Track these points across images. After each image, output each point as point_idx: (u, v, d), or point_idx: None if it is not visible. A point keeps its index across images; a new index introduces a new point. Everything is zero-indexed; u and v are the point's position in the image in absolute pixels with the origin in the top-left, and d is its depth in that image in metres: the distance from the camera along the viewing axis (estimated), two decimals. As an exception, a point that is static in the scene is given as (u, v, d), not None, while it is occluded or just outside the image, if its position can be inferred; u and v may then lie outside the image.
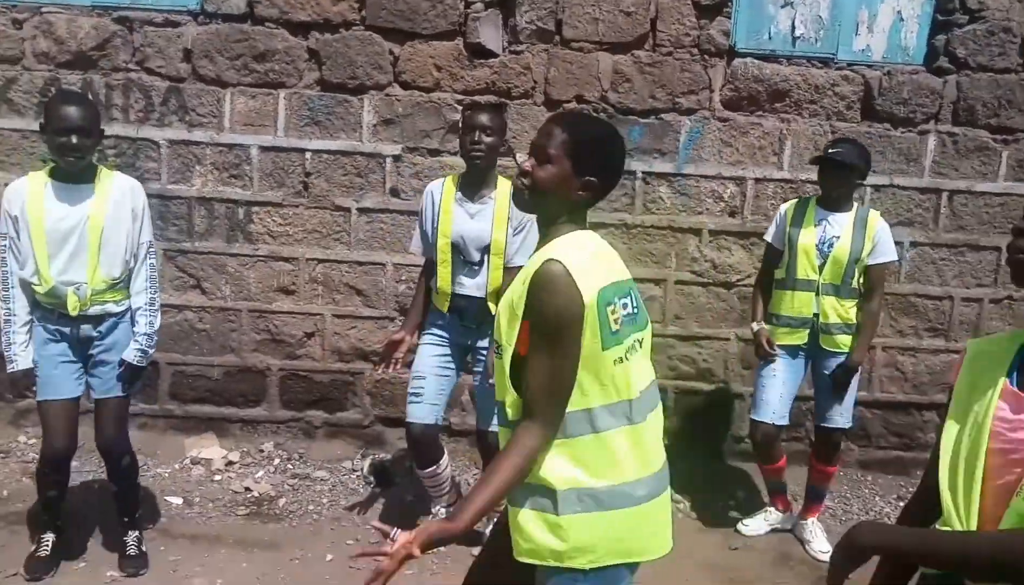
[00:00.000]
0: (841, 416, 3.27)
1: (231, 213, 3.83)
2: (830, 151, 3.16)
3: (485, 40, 3.77)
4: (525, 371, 1.52)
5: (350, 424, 4.04)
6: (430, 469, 3.06)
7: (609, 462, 1.55)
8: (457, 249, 2.92)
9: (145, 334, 2.73)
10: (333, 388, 4.02)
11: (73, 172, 2.60)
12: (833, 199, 3.19)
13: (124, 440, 2.81)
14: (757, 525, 3.46)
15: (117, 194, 2.68)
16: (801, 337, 3.21)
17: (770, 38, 3.88)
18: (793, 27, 3.87)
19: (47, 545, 2.80)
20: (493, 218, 2.91)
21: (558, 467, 1.53)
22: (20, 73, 3.73)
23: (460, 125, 3.26)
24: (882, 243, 3.18)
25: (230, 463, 3.81)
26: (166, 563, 2.93)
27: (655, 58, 3.81)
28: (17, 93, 3.74)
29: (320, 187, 3.86)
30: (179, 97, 3.76)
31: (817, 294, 3.17)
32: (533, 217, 1.76)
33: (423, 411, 2.95)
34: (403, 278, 3.91)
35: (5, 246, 2.62)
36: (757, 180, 3.95)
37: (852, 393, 3.30)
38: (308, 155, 3.83)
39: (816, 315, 3.17)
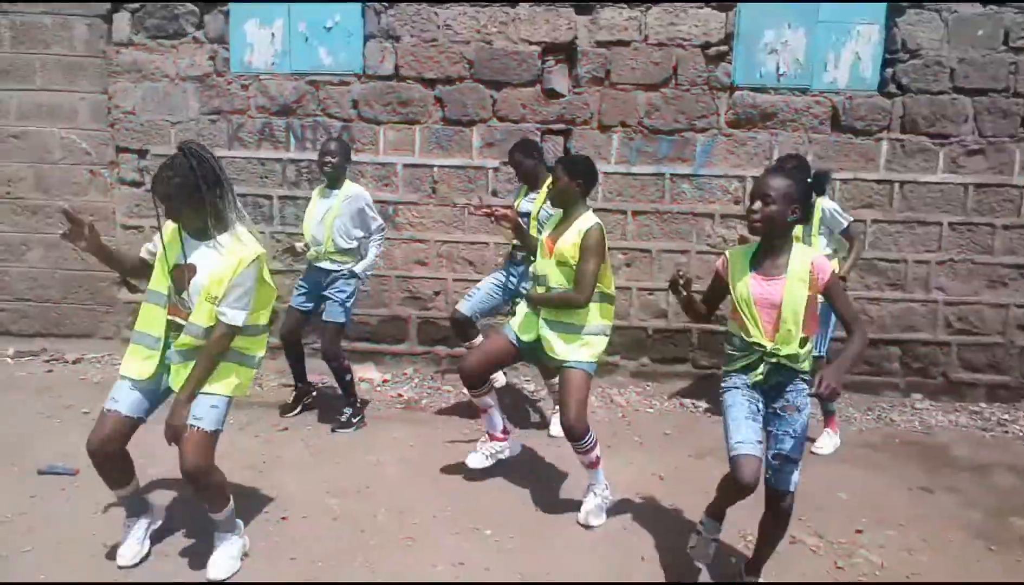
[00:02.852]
0: (817, 348, 4.46)
1: (384, 210, 5.56)
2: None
3: (556, 85, 5.41)
4: (579, 271, 3.30)
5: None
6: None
7: (608, 315, 3.35)
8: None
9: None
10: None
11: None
12: None
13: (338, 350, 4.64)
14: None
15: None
16: None
17: (761, 76, 5.38)
18: (778, 67, 5.37)
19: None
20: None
21: (594, 315, 3.32)
22: (246, 120, 5.57)
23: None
24: (832, 217, 4.42)
25: (385, 381, 5.55)
26: (364, 432, 4.64)
27: (677, 93, 5.38)
28: (244, 133, 5.59)
29: (444, 190, 5.57)
30: (349, 132, 5.53)
31: None
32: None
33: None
34: (501, 252, 5.57)
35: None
36: (753, 177, 5.45)
37: (830, 331, 4.57)
38: (435, 169, 5.55)
39: None
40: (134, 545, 3.01)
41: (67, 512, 3.40)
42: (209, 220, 2.77)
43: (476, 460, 3.87)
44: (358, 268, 4.57)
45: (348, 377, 4.65)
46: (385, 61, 5.43)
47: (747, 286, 2.74)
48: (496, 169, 5.51)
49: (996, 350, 5.54)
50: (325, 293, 4.56)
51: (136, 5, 5.48)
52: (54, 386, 5.13)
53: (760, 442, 2.71)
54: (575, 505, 3.66)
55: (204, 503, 2.93)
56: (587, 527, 3.50)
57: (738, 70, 5.37)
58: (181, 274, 2.80)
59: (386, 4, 5.35)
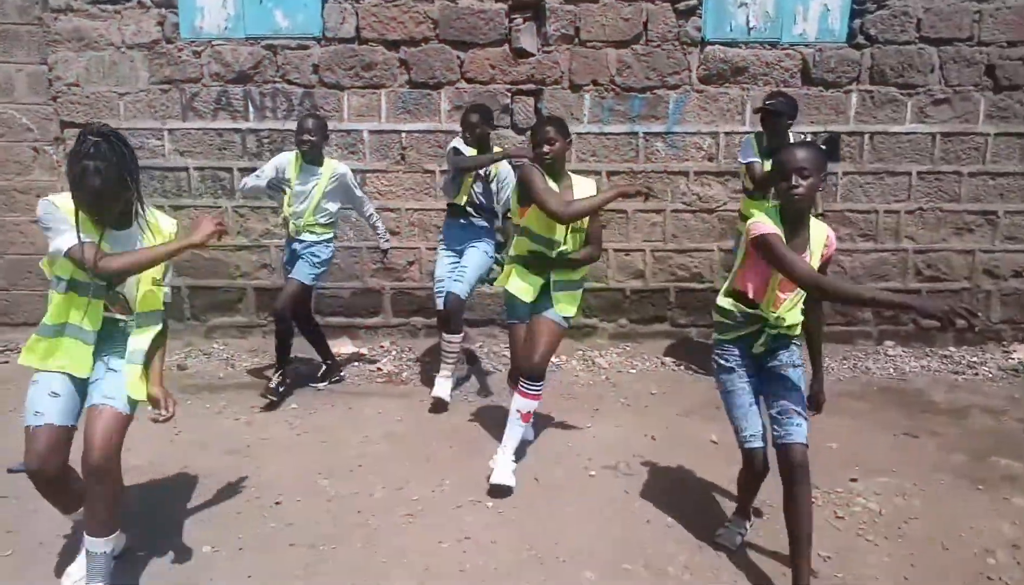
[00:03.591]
0: None
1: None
2: (767, 102, 4.45)
3: (525, 44, 5.25)
4: (593, 229, 3.46)
5: (442, 327, 5.63)
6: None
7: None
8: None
9: None
10: (429, 300, 5.58)
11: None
12: (775, 137, 4.44)
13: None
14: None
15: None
16: None
17: (731, 30, 5.32)
18: (748, 21, 5.31)
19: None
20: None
21: (584, 271, 3.51)
22: (200, 89, 5.28)
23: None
24: None
25: (362, 355, 5.41)
26: (344, 406, 4.51)
27: (648, 50, 5.28)
28: (199, 103, 5.30)
29: (413, 156, 5.39)
30: (311, 99, 5.30)
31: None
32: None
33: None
34: (475, 219, 5.44)
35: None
36: (727, 133, 5.42)
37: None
38: (403, 134, 5.36)
39: None
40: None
41: (45, 510, 3.20)
42: (135, 205, 2.49)
43: (504, 475, 3.46)
44: (384, 246, 4.76)
45: (317, 336, 4.72)
46: (346, 23, 5.19)
47: None
48: (466, 133, 5.35)
49: (963, 295, 5.66)
50: (299, 253, 4.44)
51: (74, -33, 5.11)
52: (12, 378, 4.85)
53: (764, 426, 2.80)
54: (573, 473, 3.64)
55: (91, 517, 2.47)
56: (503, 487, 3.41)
57: (708, 25, 5.29)
58: None
59: (345, -38, 5.10)
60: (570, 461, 3.76)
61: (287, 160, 4.45)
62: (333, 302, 5.57)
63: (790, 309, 2.74)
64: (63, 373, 2.49)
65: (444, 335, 4.52)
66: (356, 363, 5.27)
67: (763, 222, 2.64)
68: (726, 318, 2.85)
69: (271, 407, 4.37)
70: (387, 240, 4.82)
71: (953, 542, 3.17)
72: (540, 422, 4.22)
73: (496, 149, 4.61)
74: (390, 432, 4.07)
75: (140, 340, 2.57)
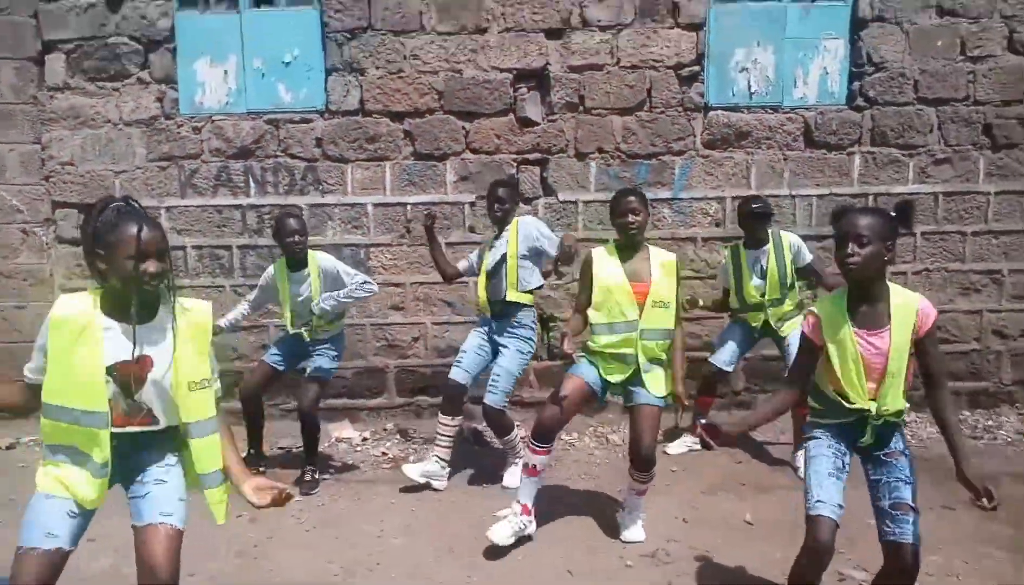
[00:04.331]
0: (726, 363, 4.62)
1: (355, 254, 5.24)
2: (754, 206, 4.37)
3: (530, 114, 5.23)
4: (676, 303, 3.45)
5: (449, 402, 5.43)
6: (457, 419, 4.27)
7: None
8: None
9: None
10: (435, 377, 5.41)
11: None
12: (759, 240, 4.41)
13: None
14: (676, 447, 4.81)
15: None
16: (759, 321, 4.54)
17: (733, 95, 5.34)
18: (749, 85, 5.34)
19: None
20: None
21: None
22: (200, 165, 5.17)
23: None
24: (800, 250, 4.37)
25: (364, 439, 5.17)
26: (352, 496, 4.27)
27: (652, 116, 5.27)
28: (198, 180, 5.18)
29: (419, 230, 5.28)
30: (314, 173, 5.20)
31: (765, 309, 4.47)
32: None
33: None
34: (482, 290, 5.32)
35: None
36: (733, 198, 5.38)
37: (738, 351, 4.64)
38: (408, 207, 5.27)
39: (766, 321, 4.49)
40: None
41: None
42: (167, 291, 2.20)
43: (501, 535, 3.46)
44: (322, 303, 4.16)
45: (314, 441, 4.38)
46: (349, 95, 5.14)
47: (854, 345, 2.49)
48: (472, 203, 5.27)
49: (974, 357, 5.60)
50: (313, 350, 4.25)
51: (72, 45, 5.03)
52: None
53: (842, 506, 2.54)
54: (608, 563, 3.43)
55: None
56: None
57: (711, 90, 5.31)
58: (128, 372, 2.15)
59: (348, 35, 5.07)
60: (603, 550, 3.55)
61: (270, 275, 4.28)
62: (333, 383, 5.35)
63: (890, 397, 2.52)
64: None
65: (497, 438, 4.36)
66: (359, 448, 5.04)
67: (812, 315, 2.56)
68: (820, 403, 2.68)
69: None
70: (325, 302, 4.16)
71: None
72: (563, 508, 4.02)
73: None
74: (407, 524, 3.84)
75: (205, 460, 2.27)
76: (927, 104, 5.37)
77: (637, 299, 3.42)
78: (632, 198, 3.48)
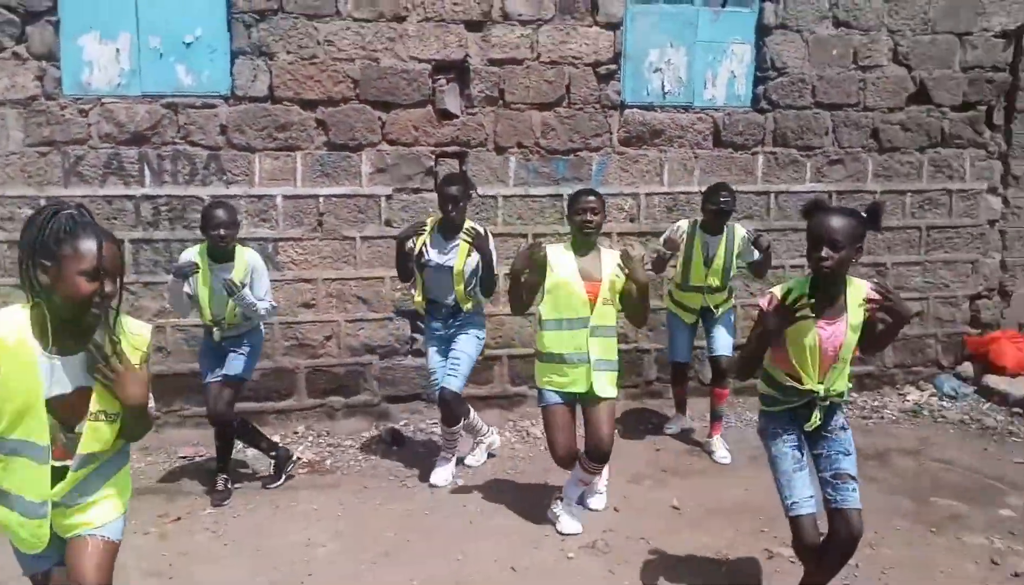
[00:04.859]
0: (725, 348, 4.71)
1: (263, 248, 4.92)
2: (722, 201, 4.43)
3: (449, 106, 5.12)
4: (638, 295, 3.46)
5: (363, 404, 5.23)
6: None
7: None
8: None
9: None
10: (348, 377, 5.20)
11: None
12: (716, 228, 4.55)
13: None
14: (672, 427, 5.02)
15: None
16: (695, 314, 4.73)
17: (648, 94, 5.45)
18: (663, 85, 5.47)
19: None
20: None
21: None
22: (87, 152, 4.71)
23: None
24: (749, 246, 4.55)
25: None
26: (269, 504, 4.01)
27: (571, 113, 5.29)
28: (85, 167, 4.72)
29: (331, 223, 5.06)
30: (217, 162, 4.86)
31: (704, 293, 4.63)
32: None
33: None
34: (398, 287, 5.14)
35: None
36: (647, 195, 5.50)
37: (730, 332, 4.76)
38: (321, 199, 5.03)
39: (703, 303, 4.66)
40: None
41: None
42: (107, 315, 1.96)
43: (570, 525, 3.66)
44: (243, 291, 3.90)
45: (248, 431, 4.19)
46: (257, 81, 4.84)
47: (814, 333, 2.57)
48: (389, 197, 5.10)
49: (863, 344, 5.98)
50: (228, 349, 3.98)
51: (-67, 14, 4.46)
52: None
53: (812, 495, 2.69)
54: (551, 557, 3.39)
55: None
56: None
57: (627, 88, 5.40)
58: (68, 406, 1.95)
59: (256, 16, 4.77)
60: (543, 544, 3.51)
61: (191, 256, 3.94)
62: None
63: (837, 380, 2.67)
64: None
65: (443, 426, 4.24)
66: (270, 453, 4.75)
67: (771, 291, 2.62)
68: (771, 388, 2.77)
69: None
70: (252, 299, 3.93)
71: (933, 590, 3.21)
72: (496, 505, 3.95)
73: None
74: (334, 530, 3.65)
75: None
76: (823, 108, 5.68)
77: (589, 297, 3.46)
78: (591, 198, 3.52)
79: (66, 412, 1.94)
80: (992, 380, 5.69)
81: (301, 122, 4.94)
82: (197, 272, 3.82)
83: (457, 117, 5.14)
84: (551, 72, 5.21)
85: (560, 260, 3.51)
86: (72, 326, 1.91)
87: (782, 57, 5.55)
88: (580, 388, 3.52)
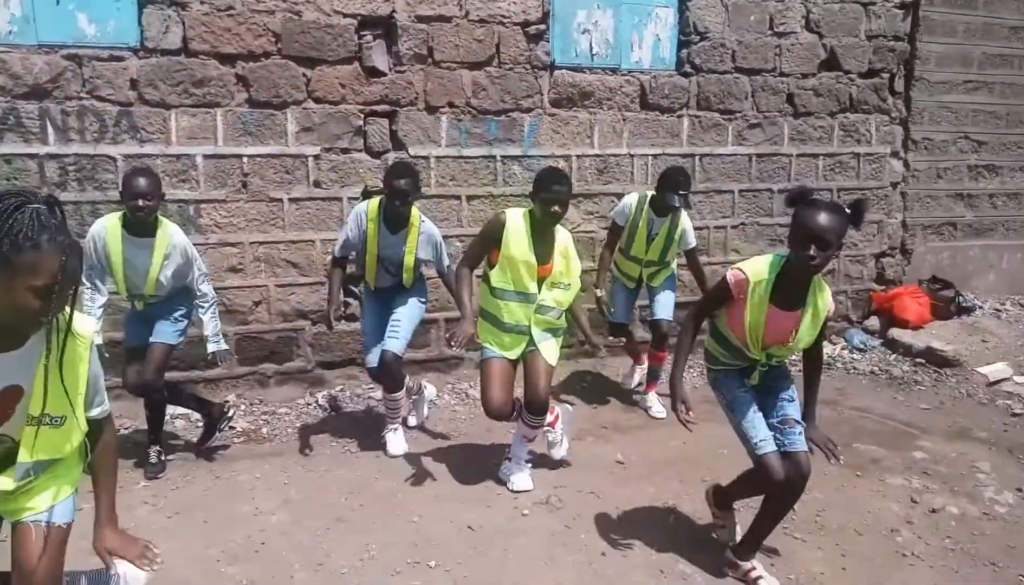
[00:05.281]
0: (666, 312, 4.81)
1: (183, 210, 4.66)
2: (681, 193, 4.46)
3: (376, 63, 4.94)
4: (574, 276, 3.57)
5: (296, 370, 5.07)
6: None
7: None
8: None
9: None
10: (280, 344, 5.02)
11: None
12: (664, 211, 4.59)
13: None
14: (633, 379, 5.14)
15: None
16: (634, 281, 4.84)
17: (576, 55, 5.45)
18: (591, 47, 5.47)
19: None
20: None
21: None
22: (-22, 105, 4.28)
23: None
24: (687, 235, 4.68)
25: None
26: (209, 474, 3.85)
27: (501, 72, 5.23)
28: (-23, 123, 4.29)
29: (257, 184, 4.82)
30: (130, 119, 4.52)
31: (642, 265, 4.74)
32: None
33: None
34: (329, 250, 4.93)
35: None
36: (578, 157, 5.52)
37: (672, 297, 4.86)
38: (244, 159, 4.77)
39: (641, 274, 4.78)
40: None
41: None
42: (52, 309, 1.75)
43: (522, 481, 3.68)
44: (212, 347, 3.95)
45: (185, 394, 4.12)
46: (170, 32, 4.51)
47: (763, 316, 2.64)
48: (317, 157, 4.90)
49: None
50: (154, 314, 3.75)
51: None
52: None
53: (771, 433, 2.79)
54: (505, 514, 3.41)
55: None
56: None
57: (556, 49, 5.37)
58: (4, 402, 1.83)
59: (167, -38, 4.44)
60: (496, 502, 3.52)
61: (101, 235, 3.60)
62: (165, 354, 4.77)
63: (780, 356, 2.80)
64: None
65: (385, 394, 4.12)
66: (199, 424, 4.54)
67: (743, 269, 2.67)
68: (718, 345, 2.87)
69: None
70: (217, 339, 3.96)
71: (862, 527, 3.43)
72: (443, 467, 3.93)
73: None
74: (282, 498, 3.53)
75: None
76: (743, 73, 5.85)
77: (539, 275, 3.51)
78: (564, 191, 3.43)
79: None
80: (896, 333, 6.10)
81: (220, 77, 4.65)
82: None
83: (385, 75, 4.98)
84: (480, 30, 5.12)
85: (517, 233, 3.47)
86: (8, 327, 1.74)
87: (704, 21, 5.66)
88: (516, 355, 3.58)
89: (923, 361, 5.76)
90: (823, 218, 2.46)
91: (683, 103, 5.74)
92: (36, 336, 1.80)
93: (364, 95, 4.94)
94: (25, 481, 1.88)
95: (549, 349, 3.59)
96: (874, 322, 6.39)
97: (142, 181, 3.52)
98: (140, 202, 3.49)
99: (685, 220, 4.71)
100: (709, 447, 4.22)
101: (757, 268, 2.66)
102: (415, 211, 3.94)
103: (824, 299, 2.69)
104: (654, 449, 4.23)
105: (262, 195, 4.84)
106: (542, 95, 5.35)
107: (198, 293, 3.87)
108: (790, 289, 2.63)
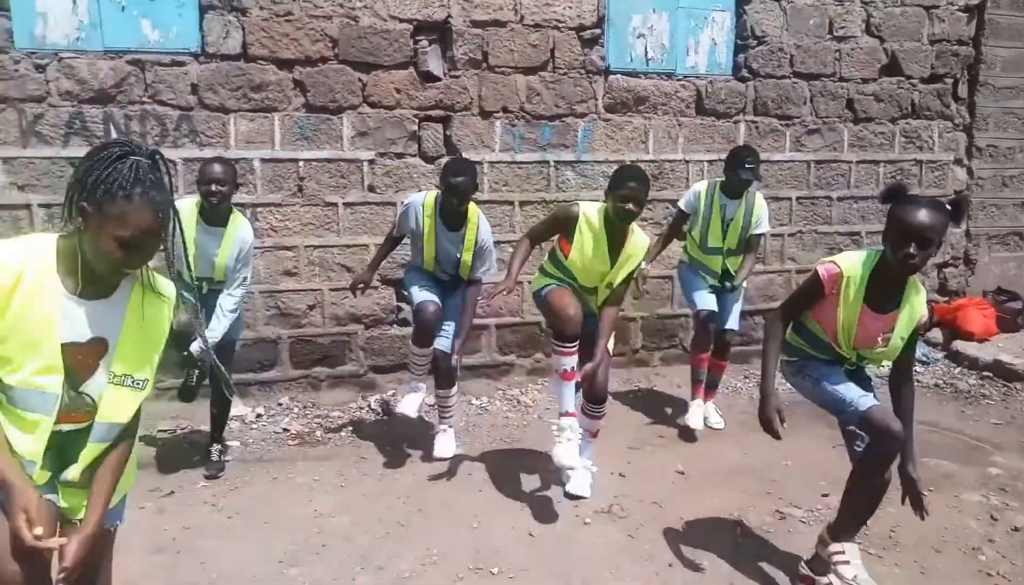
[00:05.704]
0: (734, 323, 4.58)
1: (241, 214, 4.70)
2: (747, 166, 4.25)
3: (431, 68, 4.94)
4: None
5: (349, 374, 5.06)
6: (445, 390, 4.01)
7: None
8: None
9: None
10: (333, 348, 5.02)
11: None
12: (737, 193, 4.40)
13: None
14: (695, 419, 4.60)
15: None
16: (715, 278, 4.51)
17: (631, 60, 5.39)
18: (646, 52, 5.41)
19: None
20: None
21: None
22: (46, 110, 4.37)
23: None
24: (762, 220, 4.46)
25: (259, 415, 4.68)
26: (266, 476, 3.83)
27: (556, 77, 5.19)
28: (44, 127, 4.38)
29: (312, 188, 4.84)
30: (189, 123, 4.58)
31: (723, 255, 4.47)
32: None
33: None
34: (383, 255, 4.98)
35: None
36: (632, 162, 5.44)
37: (739, 307, 4.62)
38: (301, 163, 4.80)
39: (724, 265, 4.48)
40: None
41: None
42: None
43: (570, 454, 3.37)
44: (195, 347, 3.60)
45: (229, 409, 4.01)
46: (230, 37, 4.57)
47: (856, 315, 2.53)
48: (372, 161, 4.91)
49: (836, 311, 6.09)
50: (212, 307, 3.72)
51: None
52: None
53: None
54: (567, 523, 3.33)
55: None
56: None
57: (611, 54, 5.31)
58: (78, 358, 1.76)
59: (229, -32, 4.50)
60: (557, 510, 3.44)
61: (185, 208, 3.62)
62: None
63: (871, 358, 2.67)
64: None
65: (437, 391, 4.03)
66: (254, 426, 4.56)
67: (836, 262, 2.55)
68: (803, 340, 2.72)
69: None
70: (210, 341, 3.54)
71: (940, 544, 3.27)
72: (501, 474, 3.86)
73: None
74: (340, 502, 3.49)
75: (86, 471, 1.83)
76: (801, 78, 5.73)
77: (605, 271, 3.46)
78: (639, 188, 3.30)
79: (75, 364, 1.74)
80: (961, 345, 5.88)
81: (278, 82, 4.69)
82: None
83: (440, 80, 4.97)
84: (535, 35, 5.09)
85: (588, 234, 3.39)
86: (96, 274, 1.73)
87: (761, 25, 5.56)
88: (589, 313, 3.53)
89: (990, 374, 5.54)
90: (924, 215, 2.34)
91: (740, 108, 5.63)
92: (123, 290, 1.79)
93: (419, 100, 4.94)
94: (102, 446, 1.82)
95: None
96: (936, 334, 6.17)
97: (217, 167, 3.58)
98: (214, 187, 3.53)
99: (760, 202, 4.48)
100: (771, 459, 4.10)
101: (851, 262, 2.54)
102: (473, 207, 3.85)
103: (920, 301, 2.57)
104: (714, 461, 4.11)
105: (317, 199, 4.86)
106: (596, 100, 5.30)
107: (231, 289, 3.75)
108: (884, 289, 2.51)
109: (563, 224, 3.45)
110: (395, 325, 5.07)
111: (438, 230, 3.84)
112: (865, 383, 2.73)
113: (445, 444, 4.03)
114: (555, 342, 3.45)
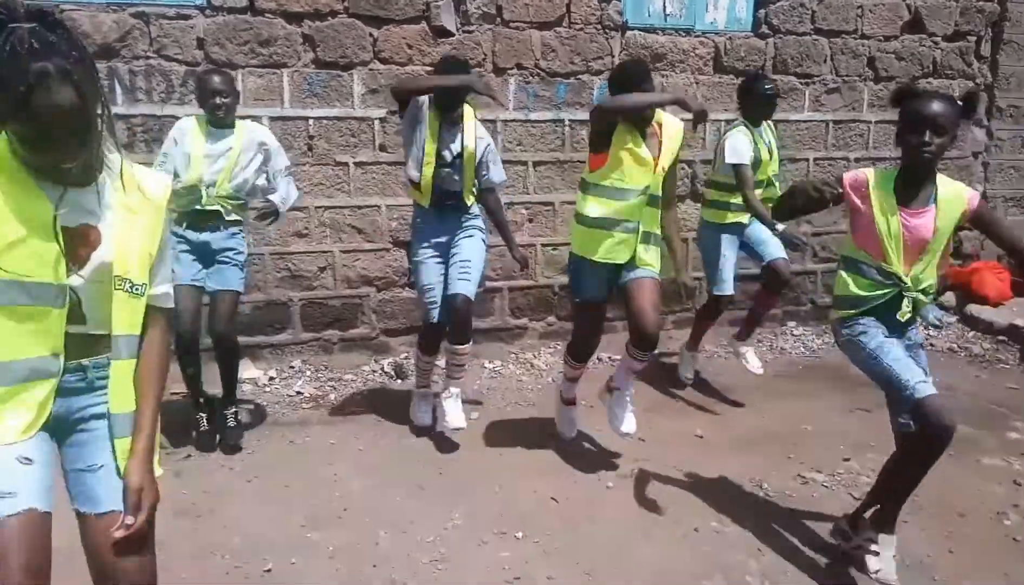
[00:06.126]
0: (781, 250, 4.25)
1: (249, 174, 4.59)
2: (767, 88, 4.21)
3: (445, 23, 4.79)
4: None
5: (361, 338, 5.00)
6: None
7: None
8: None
9: None
10: (345, 310, 4.95)
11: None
12: (760, 119, 4.26)
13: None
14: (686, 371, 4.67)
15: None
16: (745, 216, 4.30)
17: (649, 15, 5.23)
18: (664, 7, 5.25)
19: (203, 422, 3.66)
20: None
21: None
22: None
23: None
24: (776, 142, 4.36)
25: (271, 379, 4.64)
26: (283, 439, 3.79)
27: (571, 33, 5.03)
28: (47, 82, 4.24)
29: (323, 147, 4.73)
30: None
31: (764, 187, 4.26)
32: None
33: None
34: (395, 216, 4.89)
35: None
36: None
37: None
38: (311, 122, 4.68)
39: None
40: None
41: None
42: (99, 142, 1.54)
43: (630, 423, 3.46)
44: (276, 198, 3.72)
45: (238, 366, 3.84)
46: (237, -11, 4.42)
47: (896, 223, 2.47)
48: (383, 119, 4.79)
49: (851, 275, 6.02)
50: (218, 257, 3.61)
51: None
52: None
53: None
54: (589, 487, 3.30)
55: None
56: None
57: (628, 9, 5.15)
58: (72, 244, 1.55)
59: (235, -83, 4.32)
60: (578, 475, 3.41)
61: (185, 129, 3.56)
62: (231, 318, 4.73)
63: (924, 272, 2.52)
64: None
65: (452, 347, 3.67)
66: (267, 389, 4.52)
67: (862, 173, 2.53)
68: (855, 278, 2.57)
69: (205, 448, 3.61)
70: (283, 204, 3.77)
71: (965, 509, 3.25)
72: (517, 439, 3.82)
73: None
74: (360, 464, 3.46)
75: (123, 393, 1.67)
76: (822, 35, 5.57)
77: (649, 170, 3.24)
78: (646, 68, 3.47)
79: (70, 252, 1.54)
80: (975, 309, 5.83)
81: (286, 37, 4.55)
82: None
83: (453, 35, 4.82)
84: (552, -11, 4.93)
85: (625, 129, 3.29)
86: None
87: (784, -21, 5.40)
88: (624, 256, 3.28)
89: (1005, 339, 5.50)
90: (936, 103, 2.37)
91: (759, 66, 5.48)
92: (107, 176, 1.60)
93: (431, 56, 4.79)
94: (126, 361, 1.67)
95: (652, 256, 3.36)
96: (949, 297, 6.11)
97: (216, 78, 3.51)
98: (218, 99, 3.45)
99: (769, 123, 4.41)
100: (791, 424, 4.08)
101: (873, 170, 2.56)
102: (468, 108, 3.65)
103: (956, 194, 2.49)
104: (733, 425, 4.08)
105: (328, 159, 4.74)
106: (613, 57, 5.15)
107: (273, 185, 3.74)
108: (911, 188, 2.48)
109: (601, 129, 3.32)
110: (407, 288, 5.00)
111: (441, 126, 3.56)
112: (922, 360, 2.64)
113: (456, 414, 3.70)
114: (569, 359, 3.57)
